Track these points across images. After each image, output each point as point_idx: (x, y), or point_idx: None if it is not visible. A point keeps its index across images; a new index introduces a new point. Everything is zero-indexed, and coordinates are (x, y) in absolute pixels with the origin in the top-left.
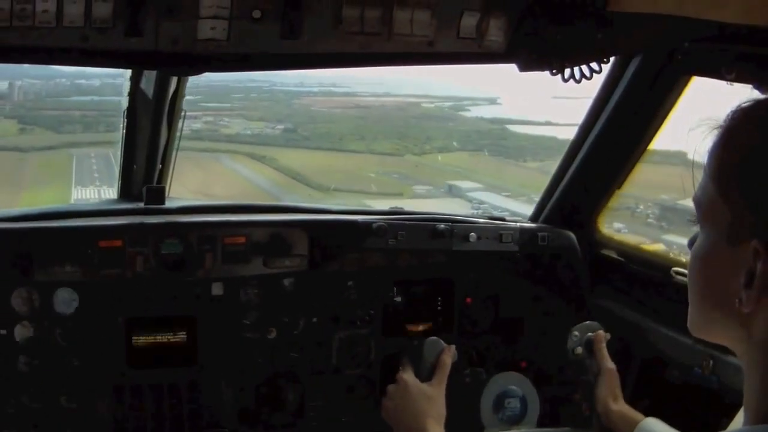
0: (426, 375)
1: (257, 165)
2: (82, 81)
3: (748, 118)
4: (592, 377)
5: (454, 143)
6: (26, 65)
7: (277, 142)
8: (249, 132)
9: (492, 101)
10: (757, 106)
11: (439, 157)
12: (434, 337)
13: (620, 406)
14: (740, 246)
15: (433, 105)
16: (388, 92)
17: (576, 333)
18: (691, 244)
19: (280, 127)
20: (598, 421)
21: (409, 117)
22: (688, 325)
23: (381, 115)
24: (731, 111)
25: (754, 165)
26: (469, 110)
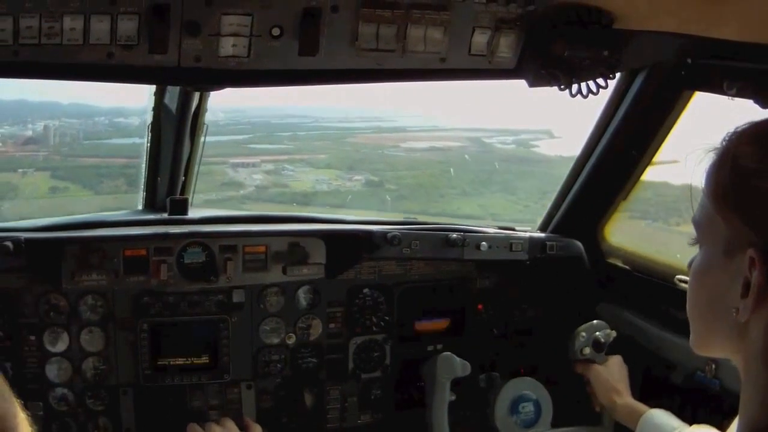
0: (438, 393)
1: None
2: (121, 119)
3: (741, 139)
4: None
5: None
6: (65, 103)
7: (368, 204)
8: (325, 188)
9: (549, 134)
10: (750, 127)
11: None
12: (448, 353)
13: (625, 399)
14: (737, 258)
15: (493, 140)
16: (435, 126)
17: (583, 333)
18: (690, 265)
19: (359, 178)
20: (607, 417)
21: (491, 160)
22: (690, 342)
23: (461, 157)
24: (726, 133)
25: (746, 181)
26: (537, 146)
